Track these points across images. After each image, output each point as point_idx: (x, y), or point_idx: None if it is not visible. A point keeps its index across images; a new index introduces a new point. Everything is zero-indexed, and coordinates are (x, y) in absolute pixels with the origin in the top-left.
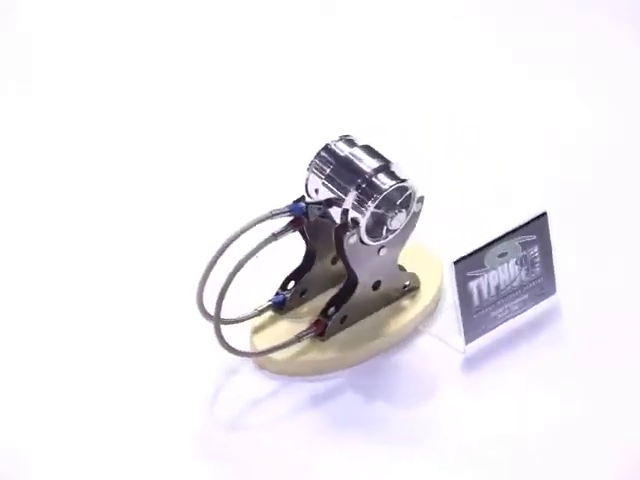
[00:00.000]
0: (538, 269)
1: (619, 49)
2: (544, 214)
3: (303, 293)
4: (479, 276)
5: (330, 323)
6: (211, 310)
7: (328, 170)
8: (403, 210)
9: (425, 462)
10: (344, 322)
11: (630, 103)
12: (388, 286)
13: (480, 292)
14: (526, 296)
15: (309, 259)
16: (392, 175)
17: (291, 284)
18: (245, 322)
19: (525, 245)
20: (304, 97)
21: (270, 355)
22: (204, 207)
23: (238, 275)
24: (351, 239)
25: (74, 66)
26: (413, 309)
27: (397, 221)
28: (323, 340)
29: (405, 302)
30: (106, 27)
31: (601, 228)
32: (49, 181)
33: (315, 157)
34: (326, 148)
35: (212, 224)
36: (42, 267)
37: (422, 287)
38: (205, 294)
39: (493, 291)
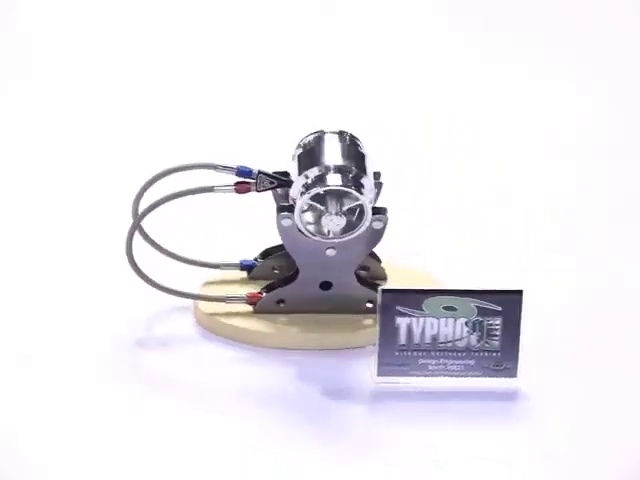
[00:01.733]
0: (496, 342)
1: (619, 48)
2: (518, 294)
3: (275, 268)
4: (412, 316)
5: (263, 298)
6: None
7: (301, 153)
8: (343, 216)
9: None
10: (280, 304)
11: (631, 102)
12: (343, 293)
13: (410, 333)
14: (472, 362)
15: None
16: (348, 180)
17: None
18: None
19: (484, 311)
20: (304, 97)
21: (201, 307)
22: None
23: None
24: (284, 221)
25: (72, 65)
26: (364, 330)
27: (334, 224)
28: (254, 312)
29: (368, 321)
30: (105, 27)
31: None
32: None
33: (303, 138)
34: (317, 133)
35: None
36: None
37: None
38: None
39: (428, 339)
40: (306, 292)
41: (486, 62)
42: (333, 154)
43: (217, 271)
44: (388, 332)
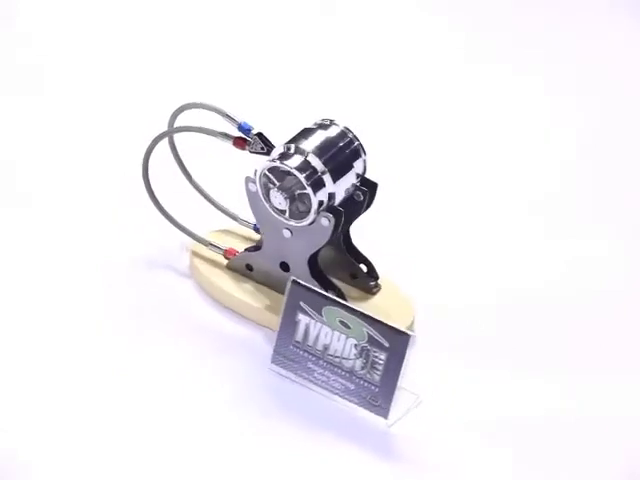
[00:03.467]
0: (377, 377)
1: (611, 51)
2: (406, 336)
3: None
4: (312, 317)
5: (234, 257)
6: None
7: (306, 128)
8: (287, 199)
9: None
10: (249, 270)
11: (623, 104)
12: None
13: (307, 333)
14: (352, 387)
15: None
16: (308, 169)
17: None
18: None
19: (373, 341)
20: (304, 96)
21: (192, 247)
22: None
23: None
24: (250, 185)
25: (72, 64)
26: None
27: (275, 199)
28: (225, 266)
29: None
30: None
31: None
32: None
33: (324, 119)
34: (328, 120)
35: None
36: None
37: None
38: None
39: (320, 346)
40: (268, 267)
41: (486, 63)
42: (317, 142)
43: (234, 223)
44: (289, 324)
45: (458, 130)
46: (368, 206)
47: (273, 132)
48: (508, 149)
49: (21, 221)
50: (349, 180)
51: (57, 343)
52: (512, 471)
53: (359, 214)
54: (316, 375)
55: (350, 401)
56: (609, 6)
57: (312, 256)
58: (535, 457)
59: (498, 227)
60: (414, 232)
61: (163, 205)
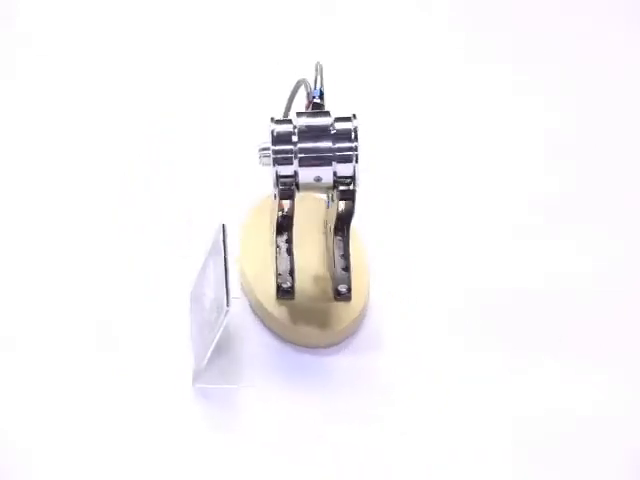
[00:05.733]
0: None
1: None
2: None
3: None
4: None
5: None
6: None
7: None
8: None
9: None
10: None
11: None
12: None
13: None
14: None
15: None
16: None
17: None
18: None
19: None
20: (303, 96)
21: None
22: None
23: None
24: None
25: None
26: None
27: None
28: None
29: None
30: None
31: None
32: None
33: None
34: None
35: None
36: None
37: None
38: None
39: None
40: None
41: (485, 63)
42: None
43: None
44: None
45: (458, 130)
46: None
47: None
48: (508, 149)
49: (20, 221)
50: None
51: (57, 343)
52: (511, 471)
53: None
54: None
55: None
56: (609, 6)
57: None
58: (535, 457)
59: (498, 226)
60: (414, 231)
61: None
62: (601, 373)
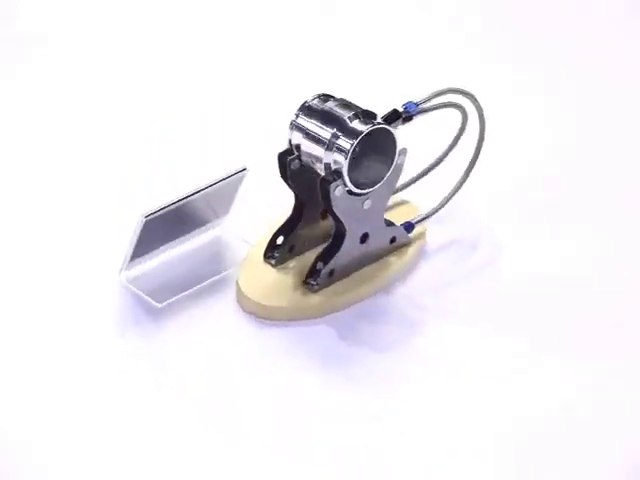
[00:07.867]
0: None
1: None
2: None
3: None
4: None
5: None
6: None
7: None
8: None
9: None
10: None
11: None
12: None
13: None
14: None
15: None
16: (368, 121)
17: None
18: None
19: None
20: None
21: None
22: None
23: None
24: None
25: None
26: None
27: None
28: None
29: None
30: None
31: None
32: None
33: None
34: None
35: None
36: None
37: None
38: None
39: None
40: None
41: (485, 64)
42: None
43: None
44: None
45: (457, 130)
46: None
47: (273, 132)
48: (507, 149)
49: (20, 220)
50: None
51: (56, 343)
52: (512, 471)
53: None
54: None
55: None
56: (609, 6)
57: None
58: (535, 457)
59: (497, 226)
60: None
61: None
62: (601, 373)
